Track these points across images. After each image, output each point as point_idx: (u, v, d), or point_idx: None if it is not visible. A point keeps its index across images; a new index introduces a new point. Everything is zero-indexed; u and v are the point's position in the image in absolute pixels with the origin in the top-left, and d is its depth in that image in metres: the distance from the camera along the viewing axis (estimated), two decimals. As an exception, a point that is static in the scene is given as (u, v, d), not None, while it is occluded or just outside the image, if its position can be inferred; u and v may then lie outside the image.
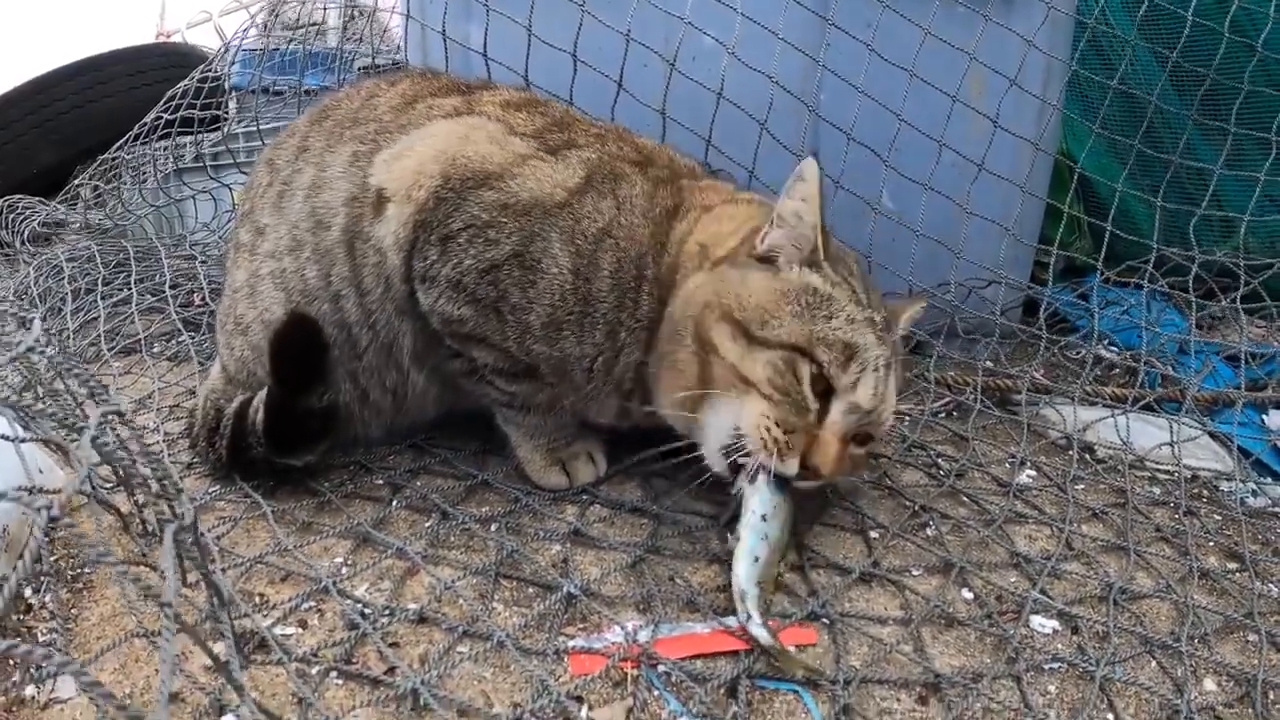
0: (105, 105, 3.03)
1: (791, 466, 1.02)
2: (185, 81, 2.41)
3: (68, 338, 1.83)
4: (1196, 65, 1.87)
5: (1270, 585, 1.16)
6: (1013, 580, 1.13)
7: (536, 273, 1.13)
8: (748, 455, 1.03)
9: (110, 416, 0.88)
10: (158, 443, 1.36)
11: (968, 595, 1.09)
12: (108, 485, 1.15)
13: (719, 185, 1.28)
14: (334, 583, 1.01)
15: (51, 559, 1.07)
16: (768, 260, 1.08)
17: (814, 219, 1.06)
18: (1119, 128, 1.97)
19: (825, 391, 1.02)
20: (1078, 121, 2.03)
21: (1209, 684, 0.97)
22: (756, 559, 1.00)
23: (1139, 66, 2.04)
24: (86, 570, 1.07)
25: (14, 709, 0.85)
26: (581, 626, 0.98)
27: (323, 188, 1.24)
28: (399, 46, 2.64)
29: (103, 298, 2.00)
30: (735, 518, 1.05)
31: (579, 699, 0.86)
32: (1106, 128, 1.94)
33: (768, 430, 1.01)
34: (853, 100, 1.66)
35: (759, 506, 1.03)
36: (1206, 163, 1.89)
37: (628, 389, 1.19)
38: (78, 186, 2.73)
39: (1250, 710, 0.92)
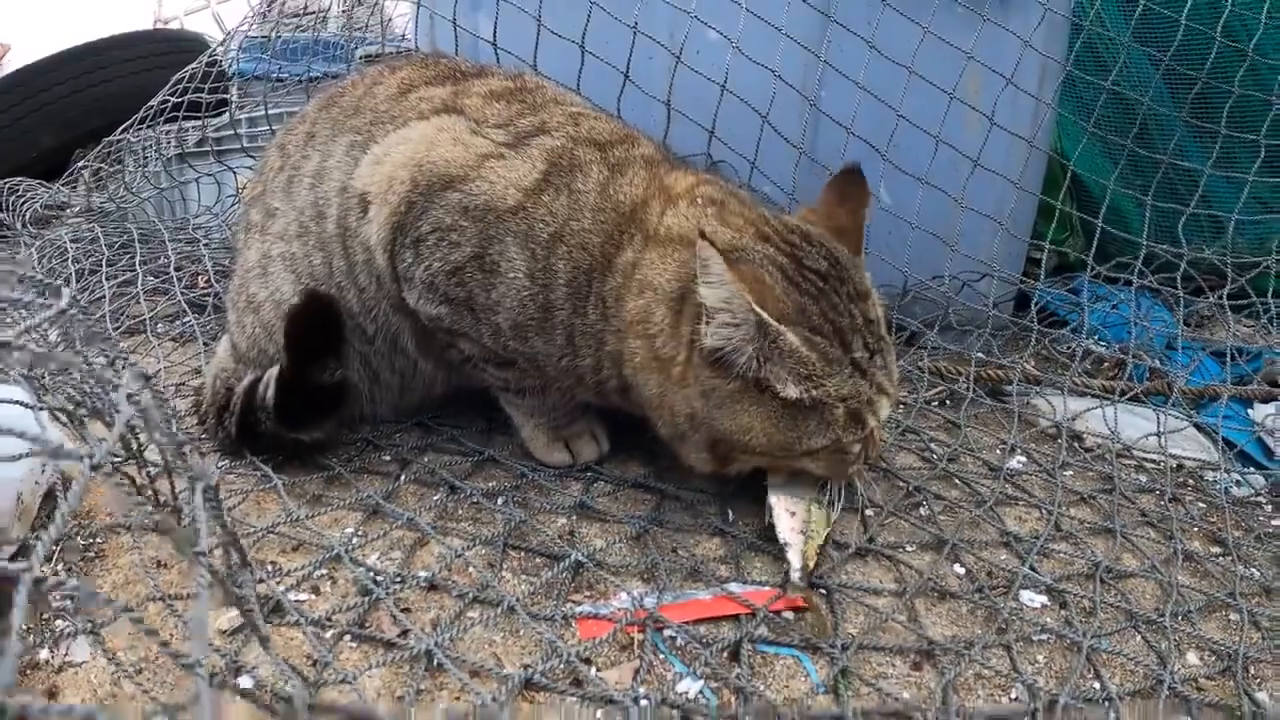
0: (106, 90, 3.02)
1: (859, 468, 1.13)
2: (192, 65, 2.42)
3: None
4: (1188, 68, 1.91)
5: (1253, 569, 1.19)
6: (1003, 558, 1.16)
7: (496, 275, 1.12)
8: None
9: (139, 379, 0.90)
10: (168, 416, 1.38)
11: (959, 570, 1.13)
12: (117, 459, 1.17)
13: (669, 185, 1.15)
14: (346, 550, 1.03)
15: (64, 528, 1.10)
16: (720, 359, 0.98)
17: (741, 300, 0.94)
18: (1113, 129, 2.00)
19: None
20: (1072, 122, 2.07)
21: (1192, 658, 1.00)
22: (793, 513, 1.07)
23: (1133, 69, 2.08)
24: (98, 540, 1.09)
25: (29, 672, 0.87)
26: (588, 594, 1.01)
27: (324, 178, 1.25)
28: (402, 35, 2.66)
29: (107, 278, 2.00)
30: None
31: (587, 661, 0.89)
32: (1101, 128, 1.99)
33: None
34: (853, 96, 1.70)
35: (778, 477, 1.13)
36: (1197, 164, 1.93)
37: (605, 389, 1.16)
38: (80, 169, 2.73)
39: (1231, 682, 0.95)
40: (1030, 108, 1.77)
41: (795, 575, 1.02)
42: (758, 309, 0.94)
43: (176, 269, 2.04)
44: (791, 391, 0.98)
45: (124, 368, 0.78)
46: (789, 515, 1.07)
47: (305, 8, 2.69)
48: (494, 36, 1.70)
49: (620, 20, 1.64)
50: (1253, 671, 0.99)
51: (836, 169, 1.70)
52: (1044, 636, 1.00)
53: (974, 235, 1.79)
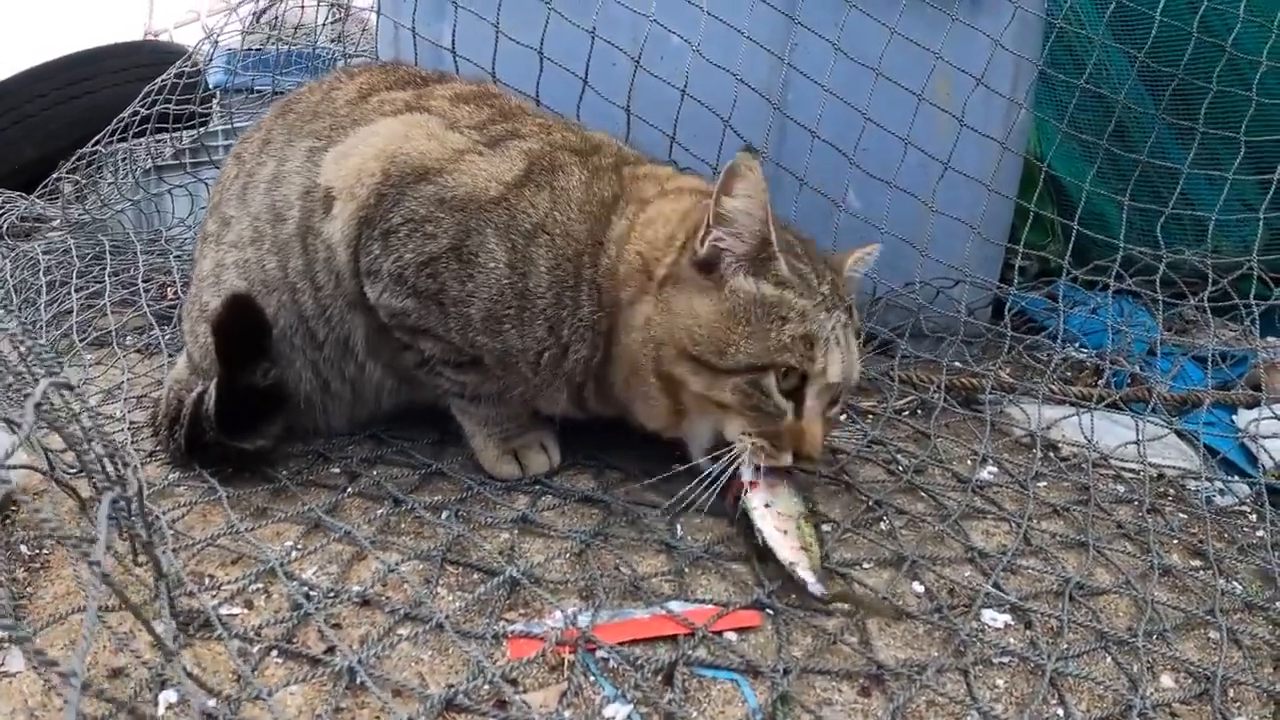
0: (91, 101, 3.02)
1: (786, 459, 1.10)
2: (162, 78, 2.41)
3: (41, 329, 1.84)
4: (1167, 65, 1.87)
5: (1234, 583, 1.15)
6: (966, 575, 1.12)
7: (473, 266, 1.13)
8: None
9: (61, 390, 0.88)
10: (122, 430, 1.36)
11: (919, 589, 1.08)
12: (71, 470, 1.15)
13: (655, 171, 1.27)
14: (281, 564, 1.00)
15: (11, 539, 1.08)
16: (710, 264, 1.08)
17: (762, 213, 1.05)
18: (1093, 129, 1.97)
19: (797, 385, 1.07)
20: (1049, 122, 2.04)
21: (1166, 680, 0.96)
22: (785, 532, 1.07)
23: (1112, 68, 2.05)
24: (44, 551, 1.08)
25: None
26: (523, 612, 0.97)
27: (282, 181, 1.25)
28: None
29: (76, 290, 2.00)
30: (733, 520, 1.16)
31: (513, 682, 0.85)
32: (1079, 129, 1.95)
33: (752, 442, 1.08)
34: (819, 99, 1.67)
35: (758, 501, 1.10)
36: (1178, 165, 1.89)
37: (579, 382, 1.19)
38: (56, 181, 2.73)
39: (1208, 707, 0.90)
40: (1003, 109, 1.74)
41: (815, 589, 1.01)
42: (772, 223, 1.04)
43: (145, 281, 2.04)
44: (766, 290, 1.06)
45: (49, 379, 0.76)
46: (782, 535, 1.06)
47: (277, 20, 2.68)
48: (452, 43, 1.68)
49: (580, 26, 1.62)
50: (1232, 694, 0.94)
51: (803, 173, 1.69)
52: (1005, 659, 0.96)
53: (946, 240, 1.76)
